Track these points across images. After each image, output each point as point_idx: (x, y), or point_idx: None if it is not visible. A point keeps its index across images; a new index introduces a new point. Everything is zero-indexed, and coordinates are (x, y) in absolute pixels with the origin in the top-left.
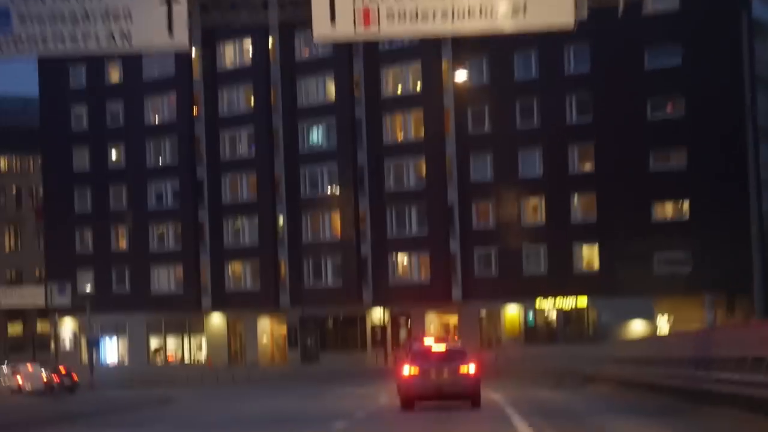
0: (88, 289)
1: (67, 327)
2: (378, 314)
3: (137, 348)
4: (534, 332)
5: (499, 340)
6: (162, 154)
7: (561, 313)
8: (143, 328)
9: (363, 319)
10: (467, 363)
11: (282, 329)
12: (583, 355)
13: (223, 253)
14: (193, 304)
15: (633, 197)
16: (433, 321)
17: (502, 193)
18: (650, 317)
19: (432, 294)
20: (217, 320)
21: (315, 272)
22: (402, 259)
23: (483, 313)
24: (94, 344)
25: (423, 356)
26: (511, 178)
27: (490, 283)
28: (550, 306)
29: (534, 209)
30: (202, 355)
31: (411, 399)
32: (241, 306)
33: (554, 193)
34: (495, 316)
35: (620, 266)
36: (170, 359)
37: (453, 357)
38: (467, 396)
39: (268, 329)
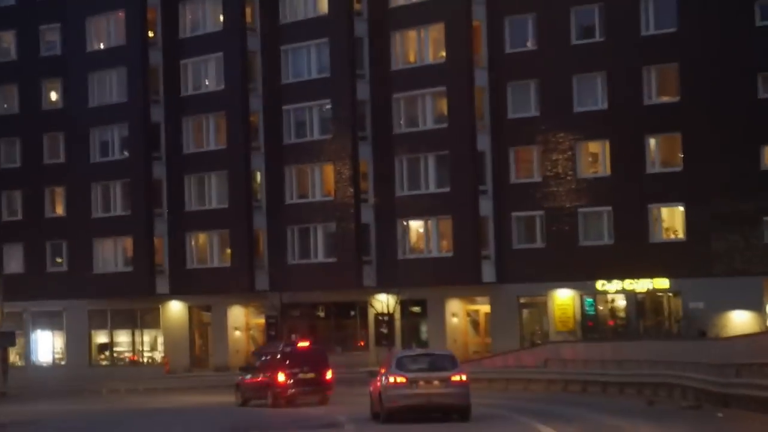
0: (18, 267)
1: None
2: (384, 301)
3: (77, 344)
4: (594, 325)
5: (547, 336)
6: (108, 91)
7: (632, 298)
8: (84, 319)
9: (364, 308)
10: (459, 371)
11: (259, 321)
12: (673, 357)
13: (184, 221)
14: (146, 287)
15: (734, 138)
16: (456, 309)
17: (551, 135)
18: (757, 305)
19: (455, 273)
20: (176, 309)
21: (302, 245)
22: (416, 226)
23: (524, 299)
24: (8, 339)
25: (408, 362)
26: (563, 114)
27: (534, 259)
28: (617, 289)
29: (594, 157)
30: (159, 355)
31: (394, 411)
32: (206, 290)
33: (622, 133)
34: (540, 304)
35: (715, 234)
36: (132, 359)
37: (442, 364)
38: (457, 409)
39: (241, 321)
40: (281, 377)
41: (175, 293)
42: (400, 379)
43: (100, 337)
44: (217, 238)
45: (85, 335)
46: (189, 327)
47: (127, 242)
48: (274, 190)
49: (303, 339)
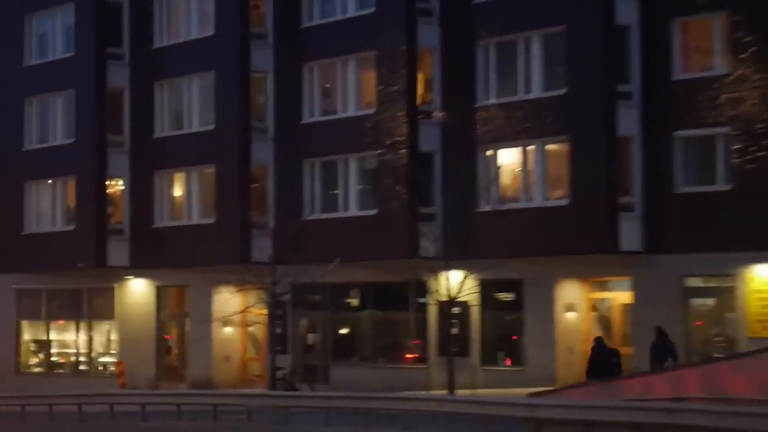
0: None
1: None
2: (455, 283)
3: (2, 341)
4: None
5: (734, 344)
6: None
7: None
8: (10, 304)
9: (421, 294)
10: None
11: (259, 310)
12: None
13: (152, 153)
14: (94, 256)
15: None
16: (574, 298)
17: None
18: None
19: (573, 236)
20: (138, 290)
21: (326, 190)
22: (509, 157)
23: (694, 281)
24: None
25: None
26: None
27: (712, 211)
28: None
29: None
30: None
31: None
32: (183, 262)
33: None
34: (724, 290)
35: None
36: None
37: None
38: None
39: (234, 310)
40: None
41: (138, 266)
42: None
43: (32, 331)
44: (199, 179)
45: (11, 328)
46: (156, 318)
47: (70, 187)
48: (286, 103)
49: None
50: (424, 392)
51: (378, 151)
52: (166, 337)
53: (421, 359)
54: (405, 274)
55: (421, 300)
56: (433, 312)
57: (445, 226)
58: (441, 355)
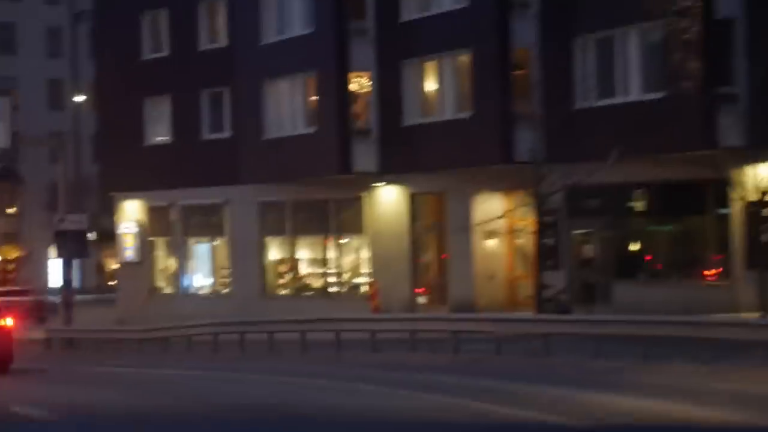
0: (164, 132)
1: (128, 214)
2: (761, 177)
3: (245, 260)
4: None
5: None
6: None
7: None
8: (254, 218)
9: (718, 196)
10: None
11: (526, 218)
12: None
13: (399, 41)
14: (338, 163)
15: None
16: None
17: None
18: None
19: None
20: (390, 200)
21: (602, 71)
22: None
23: None
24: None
25: None
26: None
27: None
28: None
29: None
30: (364, 279)
31: None
32: (437, 165)
33: None
34: None
35: None
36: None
37: None
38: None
39: (500, 220)
40: None
41: (388, 171)
42: None
43: (277, 249)
44: (453, 67)
45: (255, 245)
46: (410, 231)
47: (309, 83)
48: None
49: None
50: (728, 315)
51: (664, 21)
52: (442, 256)
53: (725, 274)
54: (702, 170)
55: (723, 202)
56: (738, 215)
57: (749, 108)
58: (750, 269)
